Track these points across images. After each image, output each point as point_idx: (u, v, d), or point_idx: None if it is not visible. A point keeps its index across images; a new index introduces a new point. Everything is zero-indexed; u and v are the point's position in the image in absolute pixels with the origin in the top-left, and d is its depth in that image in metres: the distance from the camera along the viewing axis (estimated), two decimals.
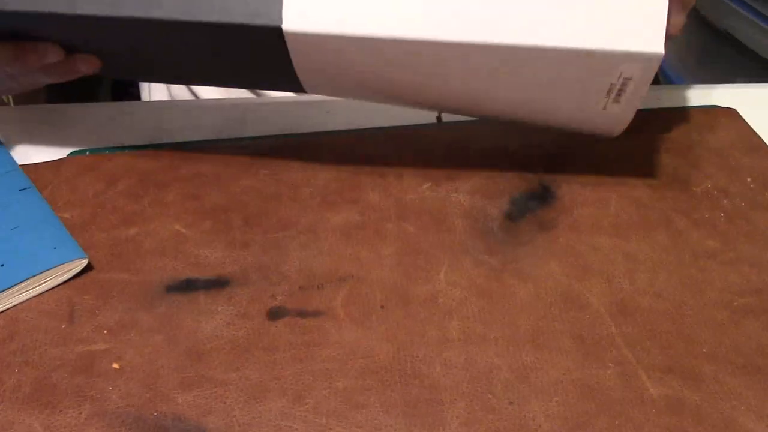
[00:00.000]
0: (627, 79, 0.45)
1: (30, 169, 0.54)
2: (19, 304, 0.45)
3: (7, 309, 0.44)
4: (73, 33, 0.49)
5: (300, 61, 0.48)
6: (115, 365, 0.41)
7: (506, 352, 0.42)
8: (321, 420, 0.39)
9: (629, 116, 0.49)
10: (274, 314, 0.44)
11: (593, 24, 0.43)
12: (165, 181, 0.54)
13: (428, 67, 0.47)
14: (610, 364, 0.42)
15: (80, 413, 0.39)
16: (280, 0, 0.45)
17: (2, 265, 0.45)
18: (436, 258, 0.48)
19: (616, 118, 0.49)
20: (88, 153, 0.56)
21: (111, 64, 0.53)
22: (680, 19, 0.50)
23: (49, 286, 0.45)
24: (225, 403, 0.39)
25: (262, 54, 0.48)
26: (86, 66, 0.50)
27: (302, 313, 0.44)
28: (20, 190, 0.51)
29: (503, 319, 0.44)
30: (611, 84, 0.46)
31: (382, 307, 0.45)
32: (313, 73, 0.49)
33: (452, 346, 0.42)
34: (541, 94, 0.48)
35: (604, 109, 0.48)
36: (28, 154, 0.55)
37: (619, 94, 0.46)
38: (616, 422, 0.39)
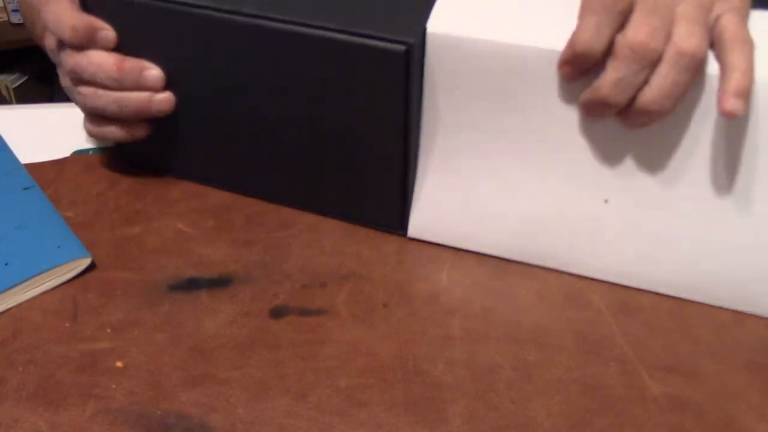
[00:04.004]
0: None
1: (33, 168, 0.54)
2: (22, 302, 0.45)
3: (11, 308, 0.44)
4: (182, 52, 0.47)
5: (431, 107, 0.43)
6: (119, 363, 0.41)
7: (508, 350, 0.42)
8: (324, 418, 0.39)
9: None
10: (277, 312, 0.44)
11: None
12: (168, 179, 0.54)
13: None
14: (612, 363, 0.42)
15: (84, 411, 0.39)
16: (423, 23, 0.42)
17: (6, 264, 0.45)
18: (438, 256, 0.48)
19: None
20: (91, 152, 0.56)
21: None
22: None
23: (53, 285, 0.46)
24: (228, 401, 0.40)
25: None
26: (167, 103, 0.49)
27: (305, 312, 0.44)
28: (23, 189, 0.51)
29: (505, 317, 0.44)
30: None
31: (384, 305, 0.45)
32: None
33: (454, 345, 0.43)
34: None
35: None
36: (31, 153, 0.55)
37: None
38: (618, 420, 0.39)
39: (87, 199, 0.52)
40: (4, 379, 0.40)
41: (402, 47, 0.41)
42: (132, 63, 0.48)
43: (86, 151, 0.56)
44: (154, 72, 0.48)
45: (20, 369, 0.41)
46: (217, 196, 0.53)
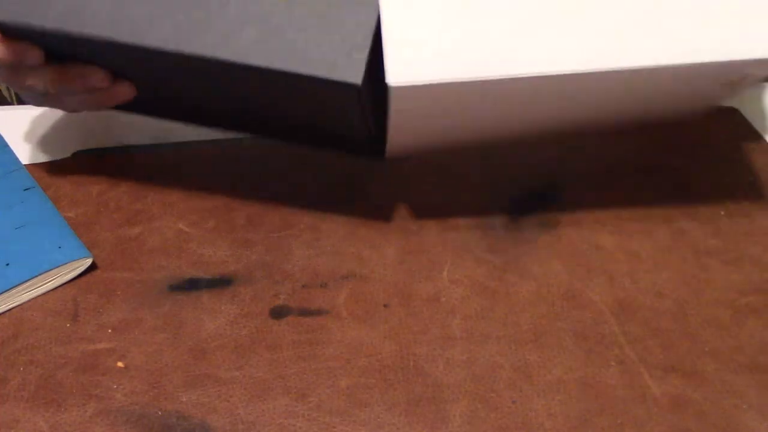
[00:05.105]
0: (747, 75, 0.44)
1: (34, 168, 0.54)
2: (23, 303, 0.45)
3: (12, 308, 0.45)
4: (116, 59, 0.46)
5: (399, 117, 0.45)
6: (120, 364, 0.41)
7: (509, 350, 0.42)
8: (324, 418, 0.39)
9: (732, 97, 0.51)
10: (278, 313, 0.44)
11: (727, 34, 0.42)
12: (168, 180, 0.54)
13: (550, 101, 0.45)
14: (613, 363, 0.42)
15: (85, 411, 0.39)
16: (363, 50, 0.41)
17: (7, 265, 0.45)
18: (438, 256, 0.48)
19: (721, 100, 0.51)
20: (91, 152, 0.56)
21: (143, 99, 0.51)
22: None
23: (54, 285, 0.46)
24: (229, 401, 0.40)
25: (332, 108, 0.45)
26: (126, 92, 0.49)
27: (305, 312, 0.44)
28: (24, 189, 0.51)
29: (506, 317, 0.44)
30: (731, 81, 0.45)
31: (385, 305, 0.45)
32: (409, 127, 0.46)
33: (455, 345, 0.43)
34: (661, 103, 0.48)
35: (716, 98, 0.49)
36: (32, 153, 0.56)
37: (733, 87, 0.46)
38: (619, 421, 0.39)
39: (88, 199, 0.52)
40: (5, 380, 0.41)
41: (354, 87, 0.40)
42: (74, 71, 0.47)
43: (87, 151, 0.56)
44: (99, 75, 0.47)
45: (21, 369, 0.41)
46: (218, 196, 0.53)
